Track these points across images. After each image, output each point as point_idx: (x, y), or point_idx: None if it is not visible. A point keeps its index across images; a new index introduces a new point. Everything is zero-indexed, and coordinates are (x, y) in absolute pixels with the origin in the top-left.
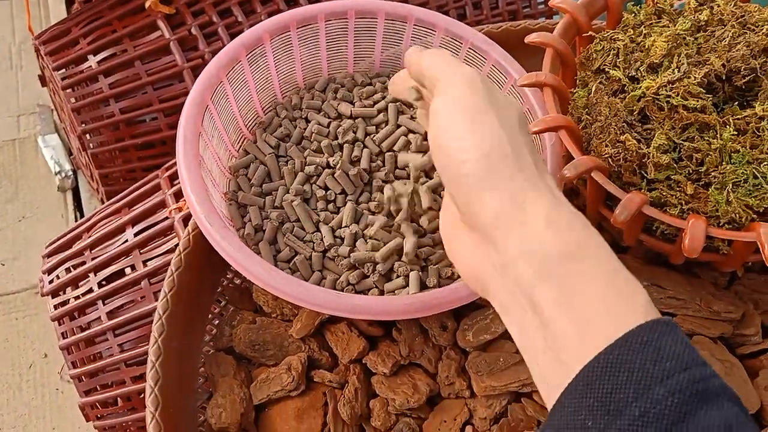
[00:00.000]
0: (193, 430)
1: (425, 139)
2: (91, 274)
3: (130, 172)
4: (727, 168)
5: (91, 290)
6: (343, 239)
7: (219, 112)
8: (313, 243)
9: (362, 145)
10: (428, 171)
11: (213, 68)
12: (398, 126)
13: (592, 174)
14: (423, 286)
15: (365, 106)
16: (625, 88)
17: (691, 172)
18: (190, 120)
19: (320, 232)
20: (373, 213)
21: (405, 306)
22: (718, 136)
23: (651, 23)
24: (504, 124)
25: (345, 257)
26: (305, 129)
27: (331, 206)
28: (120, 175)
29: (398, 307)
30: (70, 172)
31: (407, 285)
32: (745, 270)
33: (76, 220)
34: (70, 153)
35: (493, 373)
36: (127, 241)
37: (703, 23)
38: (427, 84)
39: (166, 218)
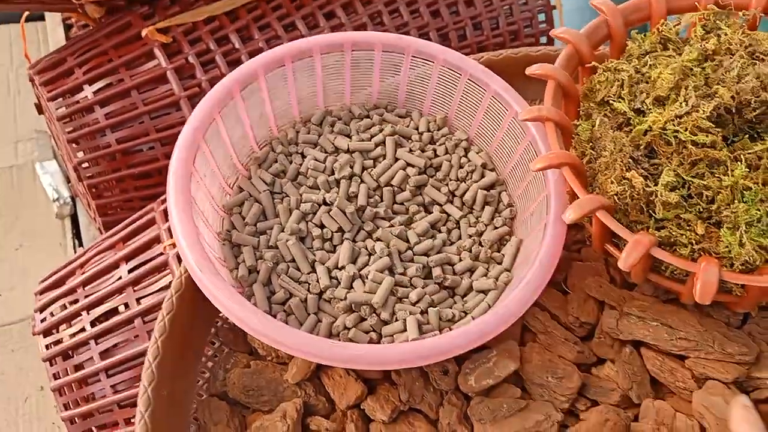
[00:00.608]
0: None
1: (421, 173)
2: (84, 312)
3: (127, 201)
4: (740, 207)
5: (83, 329)
6: (339, 280)
7: (212, 150)
8: (309, 284)
9: (359, 180)
10: (427, 206)
11: (206, 107)
12: (396, 159)
13: (597, 214)
14: (423, 330)
15: (362, 140)
16: (631, 122)
17: (701, 210)
18: (181, 163)
19: (316, 272)
20: (371, 254)
21: (400, 356)
22: (729, 172)
23: (656, 52)
24: None
25: (342, 299)
26: (301, 164)
27: (327, 245)
28: (117, 205)
29: (393, 357)
30: (69, 199)
31: (406, 329)
32: (760, 309)
33: (74, 248)
34: (68, 180)
35: (497, 421)
36: (120, 278)
37: (711, 52)
38: None
39: (161, 254)
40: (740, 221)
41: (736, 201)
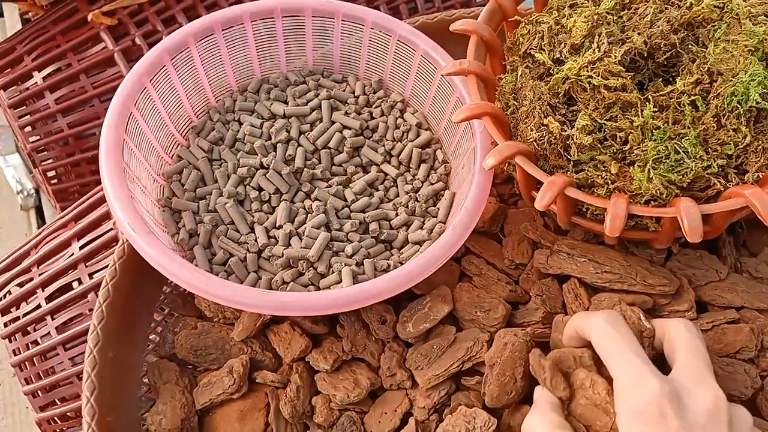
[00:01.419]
0: None
1: (357, 135)
2: (39, 290)
3: (83, 186)
4: (649, 145)
5: (39, 306)
6: (277, 239)
7: (146, 119)
8: (248, 244)
9: (297, 144)
10: (365, 166)
11: (134, 76)
12: (332, 123)
13: (516, 159)
14: (358, 280)
15: (299, 105)
16: (551, 71)
17: (615, 151)
18: (111, 129)
19: (254, 233)
20: (308, 212)
21: (330, 301)
22: (639, 113)
23: (575, 4)
24: None
25: (279, 257)
26: (238, 131)
27: (265, 207)
28: (75, 190)
29: (323, 302)
30: (33, 191)
31: (341, 281)
32: (681, 246)
33: None
34: (31, 172)
35: (432, 363)
36: (73, 254)
37: (628, 1)
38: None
39: (111, 229)
40: (649, 157)
41: (646, 140)
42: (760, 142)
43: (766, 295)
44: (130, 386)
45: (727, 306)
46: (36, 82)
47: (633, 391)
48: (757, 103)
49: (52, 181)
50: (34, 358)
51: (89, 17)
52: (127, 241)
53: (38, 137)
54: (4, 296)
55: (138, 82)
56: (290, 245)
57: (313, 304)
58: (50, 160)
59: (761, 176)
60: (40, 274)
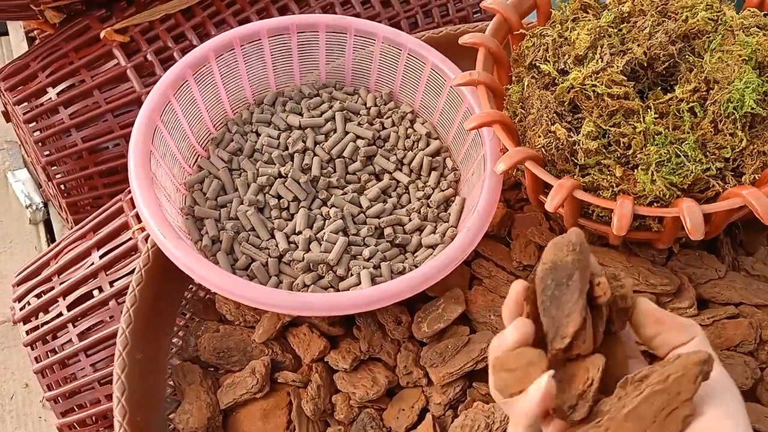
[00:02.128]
0: None
1: (370, 144)
2: (60, 298)
3: (96, 199)
4: (651, 149)
5: (60, 314)
6: (297, 244)
7: (170, 131)
8: (269, 249)
9: (312, 154)
10: (378, 174)
11: (160, 89)
12: (346, 133)
13: (525, 164)
14: (376, 282)
15: (313, 116)
16: (556, 81)
17: (619, 156)
18: (139, 140)
19: (275, 238)
20: (326, 218)
21: (350, 301)
22: (641, 120)
23: (577, 18)
24: None
25: (300, 261)
26: (256, 142)
27: (284, 214)
28: (87, 203)
29: (347, 301)
30: (41, 205)
31: (360, 283)
32: (681, 247)
33: None
34: (39, 186)
35: (446, 361)
36: (93, 264)
37: (626, 15)
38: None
39: (130, 239)
40: (652, 161)
41: (648, 145)
42: (756, 145)
43: (763, 291)
44: (156, 388)
45: (726, 302)
46: (50, 98)
47: None
48: (752, 108)
49: (66, 194)
50: (55, 366)
51: (102, 35)
52: (151, 248)
53: (52, 151)
54: (24, 306)
55: (163, 95)
56: (310, 249)
57: (336, 304)
58: (62, 174)
59: (757, 178)
60: (60, 283)
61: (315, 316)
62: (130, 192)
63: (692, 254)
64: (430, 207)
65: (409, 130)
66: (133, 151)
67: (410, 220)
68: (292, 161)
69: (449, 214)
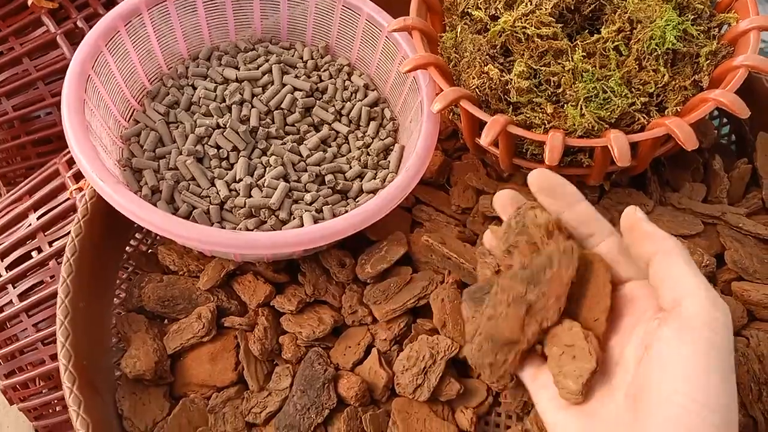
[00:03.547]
0: (110, 384)
1: (308, 96)
2: None
3: (29, 169)
4: (580, 86)
5: None
6: (238, 191)
7: (103, 82)
8: (210, 197)
9: (250, 105)
10: (317, 125)
11: (91, 38)
12: (284, 85)
13: (461, 103)
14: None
15: (250, 70)
16: (487, 27)
17: (550, 94)
18: (72, 87)
19: (215, 186)
20: (266, 167)
21: (297, 237)
22: (570, 59)
23: None
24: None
25: (242, 207)
26: (192, 95)
27: (224, 163)
28: (21, 174)
29: (292, 238)
30: None
31: (303, 225)
32: (612, 186)
33: None
34: None
35: (389, 298)
36: (30, 225)
37: None
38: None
39: (68, 200)
40: (580, 96)
41: (577, 82)
42: (677, 81)
43: (688, 222)
44: (101, 338)
45: None
46: None
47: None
48: (673, 44)
49: None
50: None
51: (30, 2)
52: (90, 199)
53: None
54: None
55: (95, 45)
56: (251, 195)
57: (280, 241)
58: None
59: (679, 111)
60: None
61: (259, 255)
62: (65, 155)
63: (622, 192)
64: (369, 155)
65: (347, 82)
66: (66, 98)
67: (351, 167)
68: (230, 113)
69: (389, 161)
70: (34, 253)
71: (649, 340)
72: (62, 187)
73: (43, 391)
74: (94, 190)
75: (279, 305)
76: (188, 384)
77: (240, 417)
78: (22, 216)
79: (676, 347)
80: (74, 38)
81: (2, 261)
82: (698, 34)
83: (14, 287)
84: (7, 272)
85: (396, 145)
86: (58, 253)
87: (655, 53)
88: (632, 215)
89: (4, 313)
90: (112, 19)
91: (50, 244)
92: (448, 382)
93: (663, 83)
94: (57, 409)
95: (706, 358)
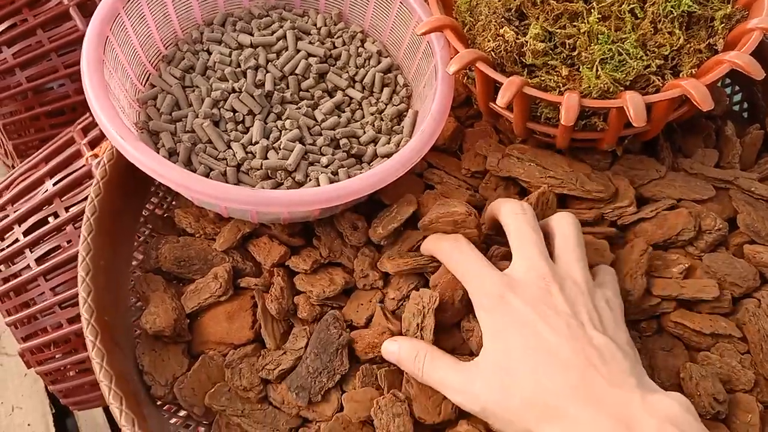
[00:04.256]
0: (130, 341)
1: (322, 62)
2: (16, 225)
3: (43, 141)
4: (595, 48)
5: (17, 240)
6: (254, 153)
7: (120, 45)
8: (227, 159)
9: (265, 71)
10: (331, 91)
11: (109, 0)
12: (298, 51)
13: (476, 65)
14: None
15: (264, 35)
16: None
17: (565, 57)
18: (91, 47)
19: (232, 149)
20: (282, 130)
21: (314, 195)
22: (585, 21)
23: None
24: None
25: (258, 168)
26: (208, 60)
27: (240, 127)
28: (34, 146)
29: (309, 197)
30: None
31: (319, 186)
32: (624, 152)
33: None
34: None
35: (403, 256)
36: (47, 191)
37: None
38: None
39: (83, 166)
40: (596, 58)
41: (592, 44)
42: (692, 44)
43: (701, 187)
44: (120, 297)
45: (667, 199)
46: None
47: (478, 292)
48: (689, 6)
49: (11, 136)
50: (13, 291)
51: None
52: (108, 161)
53: None
54: None
55: (113, 6)
56: (268, 158)
57: (297, 199)
58: (7, 115)
59: (694, 73)
60: (15, 212)
61: (276, 214)
62: (79, 123)
63: (634, 158)
64: (383, 120)
65: (360, 49)
66: (85, 58)
67: (365, 132)
68: (245, 77)
69: (402, 126)
70: (50, 219)
71: None
72: (78, 154)
73: (58, 355)
74: (113, 152)
75: (294, 265)
76: (206, 342)
77: (255, 373)
78: (39, 182)
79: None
80: (87, 10)
81: (20, 226)
82: None
83: (31, 251)
84: (24, 237)
85: (409, 110)
86: (75, 218)
87: (671, 16)
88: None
89: (21, 278)
90: None
91: (67, 209)
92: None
93: (678, 46)
94: (72, 373)
95: None
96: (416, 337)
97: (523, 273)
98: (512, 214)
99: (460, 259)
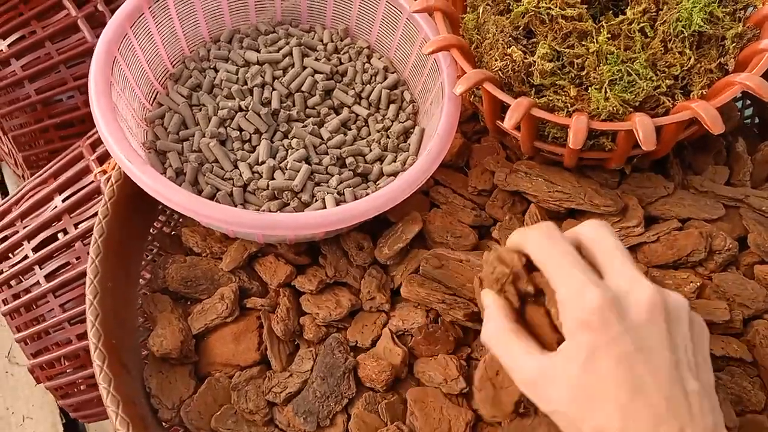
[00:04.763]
0: (137, 363)
1: (328, 79)
2: (25, 242)
3: (53, 153)
4: (604, 69)
5: (26, 257)
6: (261, 173)
7: (128, 64)
8: (233, 179)
9: (271, 88)
10: (337, 108)
11: (117, 20)
12: (304, 68)
13: (484, 85)
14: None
15: (270, 52)
16: (510, 7)
17: (573, 76)
18: (99, 68)
19: (238, 169)
20: (288, 149)
21: (320, 218)
22: (594, 40)
23: None
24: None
25: (264, 189)
26: (215, 78)
27: (247, 146)
28: (44, 157)
29: (314, 220)
30: None
31: (325, 207)
32: (633, 171)
33: None
34: None
35: (423, 286)
36: (56, 207)
37: None
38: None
39: (92, 182)
40: (605, 79)
41: (601, 65)
42: (703, 63)
43: (710, 206)
44: (128, 318)
45: (672, 220)
46: (1, 50)
47: (575, 302)
48: (700, 27)
49: (21, 148)
50: (23, 307)
51: None
52: (116, 182)
53: (5, 104)
54: None
55: (120, 26)
56: (274, 178)
57: (303, 223)
58: (16, 127)
59: (704, 94)
60: (24, 228)
61: (282, 236)
62: (88, 138)
63: (642, 176)
64: (389, 138)
65: (366, 65)
66: (93, 79)
67: (371, 150)
68: (252, 95)
69: (409, 144)
70: (60, 235)
71: None
72: (86, 170)
73: (68, 370)
74: (120, 172)
75: (300, 285)
76: (212, 363)
77: (261, 396)
78: (48, 198)
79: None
80: (95, 21)
81: (29, 243)
82: (724, 16)
83: (41, 268)
84: (34, 253)
85: (416, 127)
86: (84, 235)
87: (681, 35)
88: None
89: (31, 294)
90: (137, 1)
91: (76, 226)
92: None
93: (688, 66)
94: (82, 388)
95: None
96: None
97: (625, 292)
98: (596, 227)
99: (553, 255)
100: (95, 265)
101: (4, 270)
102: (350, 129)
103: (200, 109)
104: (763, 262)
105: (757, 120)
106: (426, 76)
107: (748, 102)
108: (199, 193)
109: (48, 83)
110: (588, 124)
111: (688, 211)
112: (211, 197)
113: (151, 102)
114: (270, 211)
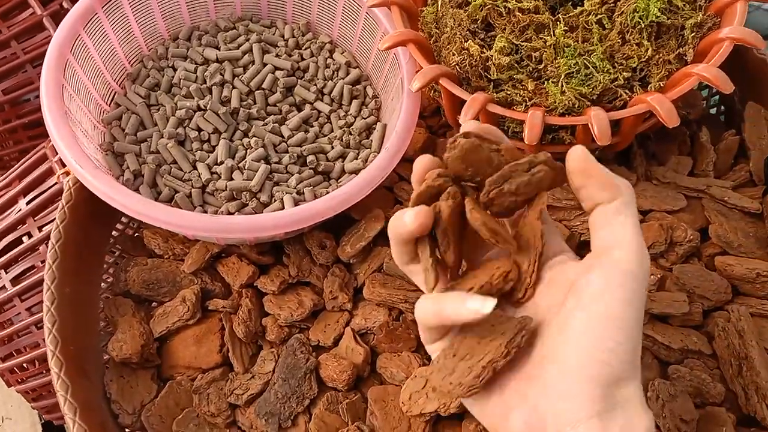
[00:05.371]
0: (99, 367)
1: (289, 75)
2: None
3: (22, 153)
4: (561, 62)
5: None
6: (220, 174)
7: (82, 66)
8: (192, 181)
9: (231, 86)
10: (299, 105)
11: (68, 22)
12: (264, 64)
13: (440, 81)
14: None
15: (230, 49)
16: (468, 0)
17: (531, 70)
18: (50, 72)
19: (197, 170)
20: (247, 148)
21: (276, 220)
22: (552, 33)
23: None
24: None
25: (223, 190)
26: (173, 77)
27: (205, 146)
28: (14, 157)
29: (270, 222)
30: None
31: (284, 208)
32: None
33: None
34: None
35: (385, 286)
36: (20, 210)
37: None
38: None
39: (56, 184)
40: (561, 73)
41: (558, 58)
42: (661, 54)
43: (672, 198)
44: (89, 322)
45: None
46: None
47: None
48: (657, 17)
49: None
50: None
51: None
52: (73, 185)
53: None
54: None
55: (72, 28)
56: (233, 178)
57: (259, 225)
58: None
59: (662, 86)
60: None
61: (241, 239)
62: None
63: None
64: (352, 134)
65: (329, 60)
66: (44, 84)
67: (333, 147)
68: (211, 94)
69: (371, 140)
70: (24, 238)
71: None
72: (50, 172)
73: (38, 373)
74: None
75: (262, 286)
76: (175, 366)
77: (223, 398)
78: (12, 201)
79: (598, 285)
80: (60, 19)
81: None
82: (684, 5)
83: (6, 272)
84: None
85: (378, 123)
86: (48, 238)
87: (639, 26)
88: (583, 157)
89: None
90: (90, 1)
91: (40, 229)
92: None
93: (646, 57)
94: (52, 391)
95: (623, 291)
96: None
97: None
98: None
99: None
100: (52, 270)
101: None
102: (312, 126)
103: (158, 109)
104: (725, 252)
105: (723, 108)
106: (387, 71)
107: (714, 90)
108: (158, 195)
109: (15, 83)
110: (543, 119)
111: (650, 203)
112: (170, 199)
113: (108, 103)
114: (229, 212)
